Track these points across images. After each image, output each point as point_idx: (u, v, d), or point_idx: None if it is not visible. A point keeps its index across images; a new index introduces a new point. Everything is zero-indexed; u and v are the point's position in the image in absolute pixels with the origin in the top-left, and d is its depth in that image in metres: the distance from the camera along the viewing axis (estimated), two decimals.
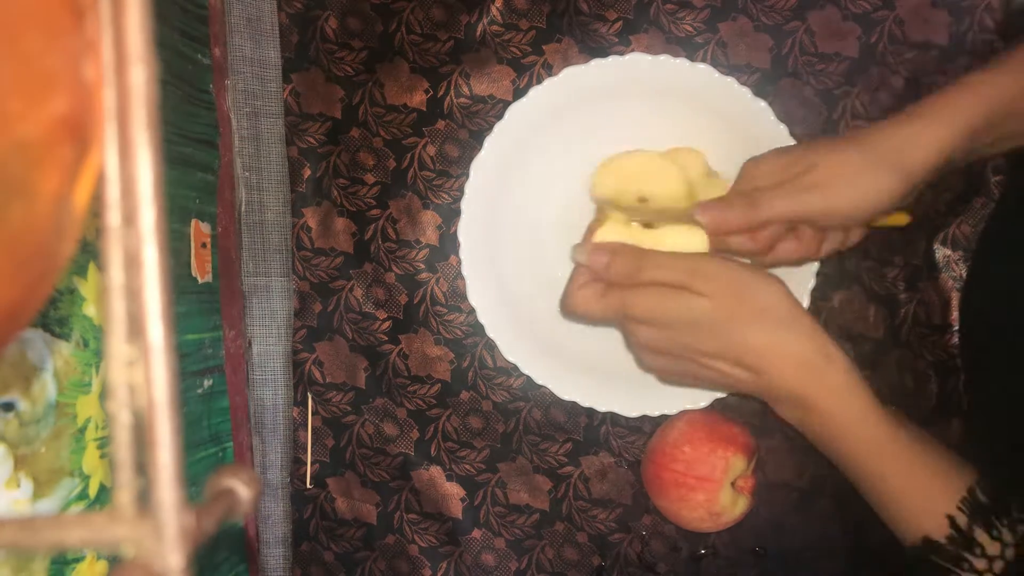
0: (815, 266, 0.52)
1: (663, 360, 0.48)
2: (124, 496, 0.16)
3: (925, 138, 0.43)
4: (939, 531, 0.42)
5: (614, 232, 0.48)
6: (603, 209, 0.50)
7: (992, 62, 0.45)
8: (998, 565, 0.41)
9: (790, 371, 0.44)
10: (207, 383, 0.54)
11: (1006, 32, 0.54)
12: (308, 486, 0.59)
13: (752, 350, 0.44)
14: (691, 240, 0.47)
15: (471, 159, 0.53)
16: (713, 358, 0.45)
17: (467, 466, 0.59)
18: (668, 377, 0.50)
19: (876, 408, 0.44)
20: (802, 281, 0.52)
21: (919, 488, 0.44)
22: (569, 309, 0.48)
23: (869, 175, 0.44)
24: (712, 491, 0.51)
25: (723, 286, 0.44)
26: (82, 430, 0.42)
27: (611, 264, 0.46)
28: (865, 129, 0.46)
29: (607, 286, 0.46)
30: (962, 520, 0.42)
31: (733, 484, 0.52)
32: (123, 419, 0.16)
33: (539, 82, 0.53)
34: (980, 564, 0.41)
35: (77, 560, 0.41)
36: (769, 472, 0.56)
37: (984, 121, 0.43)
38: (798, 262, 0.49)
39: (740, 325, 0.44)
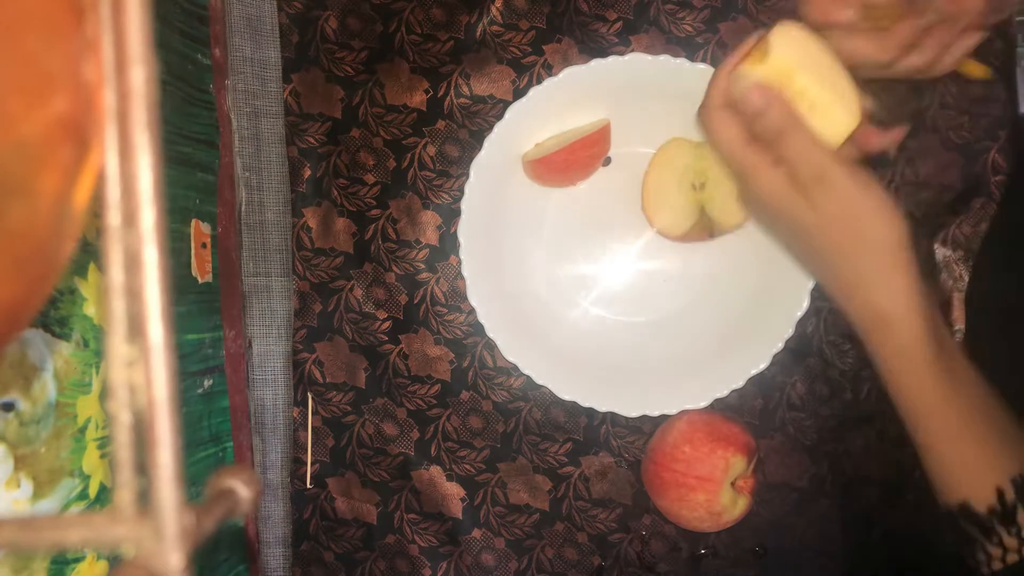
0: None
1: (765, 223, 0.48)
2: (124, 496, 0.16)
3: None
4: (980, 501, 0.42)
5: (778, 69, 0.43)
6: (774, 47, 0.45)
7: None
8: None
9: (867, 317, 0.43)
10: (207, 383, 0.54)
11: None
12: (308, 486, 0.59)
13: (837, 280, 0.44)
14: (838, 121, 0.44)
15: (471, 159, 0.53)
16: (809, 257, 0.46)
17: (467, 466, 0.59)
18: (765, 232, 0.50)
19: (935, 373, 0.43)
20: (802, 281, 0.52)
21: (966, 458, 0.43)
22: (704, 119, 0.46)
23: None
24: (712, 491, 0.51)
25: (840, 209, 0.42)
26: (82, 430, 0.42)
27: (763, 114, 0.42)
28: None
29: (745, 126, 0.44)
30: (1010, 496, 0.41)
31: (733, 484, 0.52)
32: (123, 419, 0.16)
33: (539, 82, 0.53)
34: (1011, 543, 0.41)
35: (77, 560, 0.41)
36: (769, 472, 0.56)
37: None
38: (918, 76, 0.47)
39: (838, 253, 0.43)
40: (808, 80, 0.43)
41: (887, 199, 0.42)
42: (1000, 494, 0.42)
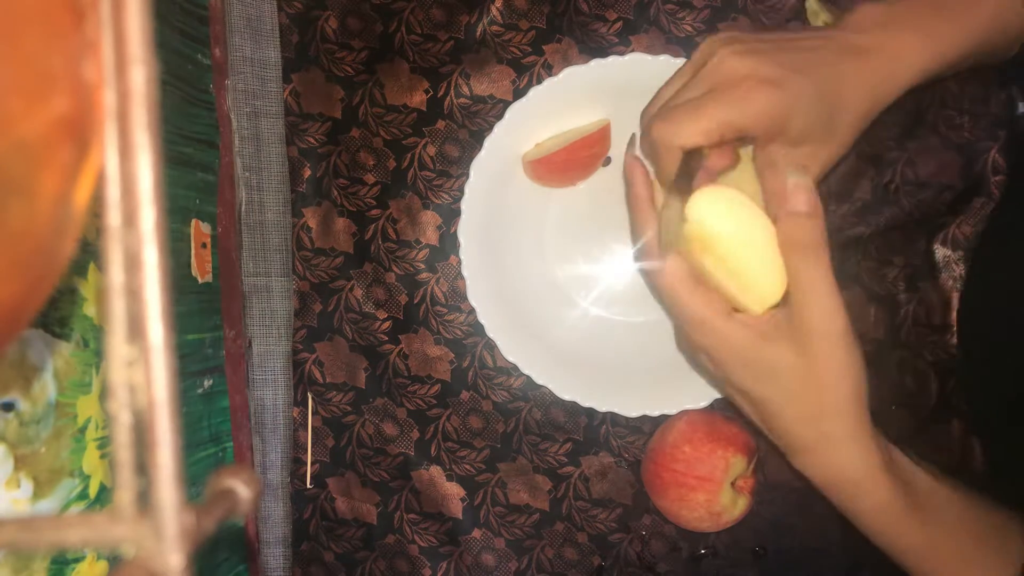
0: None
1: (711, 375, 0.46)
2: (124, 496, 0.16)
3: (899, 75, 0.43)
4: None
5: (703, 230, 0.41)
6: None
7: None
8: None
9: (827, 476, 0.43)
10: (207, 383, 0.54)
11: None
12: (308, 486, 0.59)
13: (789, 438, 0.43)
14: (763, 292, 0.42)
15: (471, 159, 0.53)
16: (762, 416, 0.44)
17: (467, 466, 0.59)
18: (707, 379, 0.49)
19: (914, 520, 0.42)
20: None
21: None
22: (657, 282, 0.43)
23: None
24: (712, 491, 0.51)
25: (824, 368, 0.41)
26: (82, 430, 0.42)
27: (810, 217, 0.40)
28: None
29: (692, 274, 0.42)
30: None
31: (733, 484, 0.52)
32: (123, 419, 0.16)
33: (539, 82, 0.53)
34: None
35: (77, 560, 0.41)
36: (769, 472, 0.56)
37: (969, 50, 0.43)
38: None
39: (799, 413, 0.42)
40: (734, 246, 0.41)
41: (861, 359, 0.41)
42: None
